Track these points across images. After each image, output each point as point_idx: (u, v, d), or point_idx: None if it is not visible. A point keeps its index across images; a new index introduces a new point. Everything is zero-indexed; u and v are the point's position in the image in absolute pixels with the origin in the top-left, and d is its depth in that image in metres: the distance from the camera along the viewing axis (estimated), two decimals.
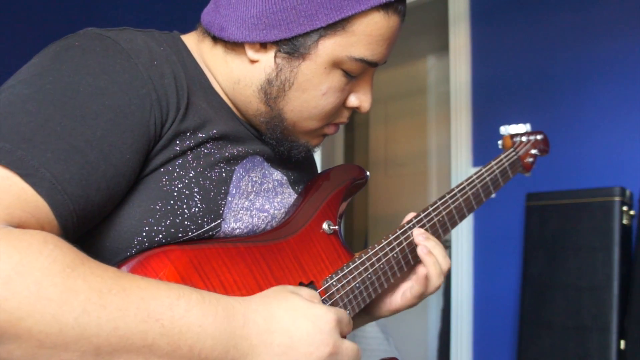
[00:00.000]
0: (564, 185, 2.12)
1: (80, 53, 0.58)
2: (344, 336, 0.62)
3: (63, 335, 0.44)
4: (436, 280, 0.79)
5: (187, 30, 0.77)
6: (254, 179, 0.72)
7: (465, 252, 2.45)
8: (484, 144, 2.45)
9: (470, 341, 2.41)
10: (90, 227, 0.57)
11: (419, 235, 0.79)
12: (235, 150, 0.70)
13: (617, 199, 1.89)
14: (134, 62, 0.60)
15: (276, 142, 0.74)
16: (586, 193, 1.98)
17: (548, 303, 1.96)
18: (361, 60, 0.68)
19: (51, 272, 0.45)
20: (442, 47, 2.98)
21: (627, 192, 1.95)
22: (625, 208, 1.90)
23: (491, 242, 2.39)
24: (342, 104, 0.74)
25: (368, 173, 0.85)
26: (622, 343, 1.78)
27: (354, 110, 0.76)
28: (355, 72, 0.70)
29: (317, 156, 2.66)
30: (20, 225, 0.48)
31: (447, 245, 3.05)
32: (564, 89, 2.23)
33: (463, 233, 2.46)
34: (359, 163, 3.97)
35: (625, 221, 1.89)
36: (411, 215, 0.84)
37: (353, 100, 0.74)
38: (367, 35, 0.67)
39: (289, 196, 0.78)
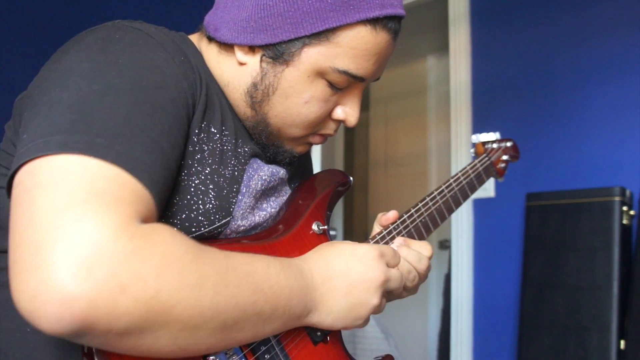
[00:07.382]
0: (564, 185, 2.12)
1: (129, 47, 0.58)
2: (391, 266, 0.71)
3: (202, 316, 0.49)
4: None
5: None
6: (263, 177, 0.73)
7: (465, 252, 2.45)
8: None
9: (470, 341, 2.41)
10: None
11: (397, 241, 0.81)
12: (242, 150, 0.71)
13: (617, 199, 1.89)
14: (171, 56, 0.61)
15: (262, 147, 0.76)
16: (586, 193, 1.98)
17: (548, 303, 1.96)
18: (345, 73, 0.68)
19: (187, 261, 0.48)
20: (442, 47, 2.98)
21: (627, 192, 1.94)
22: (625, 208, 1.89)
23: (491, 242, 2.39)
24: (328, 116, 0.74)
25: (351, 178, 0.87)
26: (622, 343, 1.77)
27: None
28: (341, 85, 0.70)
29: (317, 156, 2.66)
30: (144, 220, 0.49)
31: (447, 245, 3.05)
32: (564, 88, 2.23)
33: (463, 233, 2.45)
34: (358, 163, 3.98)
35: (625, 221, 1.89)
36: (392, 213, 0.86)
37: (339, 113, 0.74)
38: (352, 48, 0.67)
39: (285, 194, 0.81)
